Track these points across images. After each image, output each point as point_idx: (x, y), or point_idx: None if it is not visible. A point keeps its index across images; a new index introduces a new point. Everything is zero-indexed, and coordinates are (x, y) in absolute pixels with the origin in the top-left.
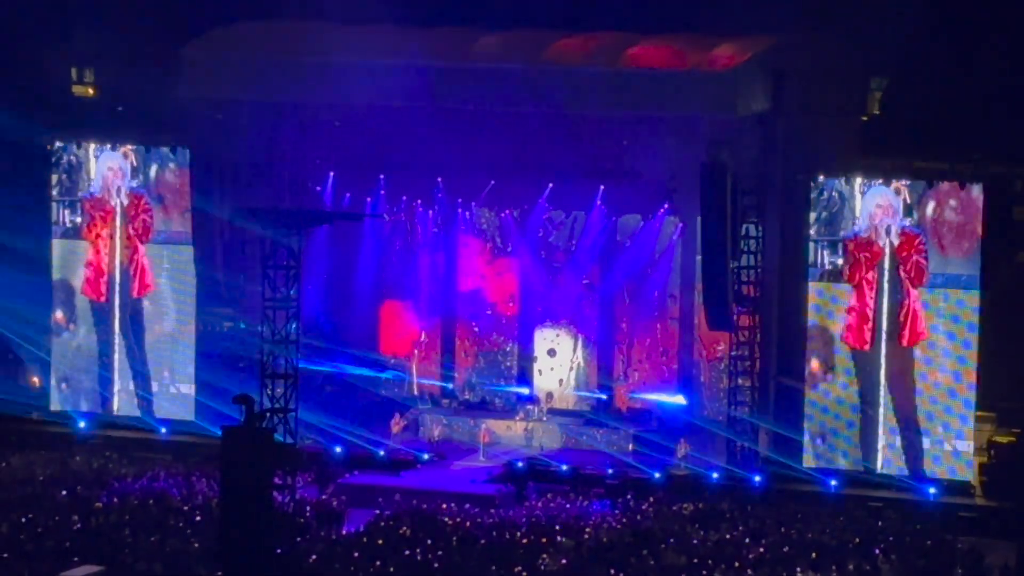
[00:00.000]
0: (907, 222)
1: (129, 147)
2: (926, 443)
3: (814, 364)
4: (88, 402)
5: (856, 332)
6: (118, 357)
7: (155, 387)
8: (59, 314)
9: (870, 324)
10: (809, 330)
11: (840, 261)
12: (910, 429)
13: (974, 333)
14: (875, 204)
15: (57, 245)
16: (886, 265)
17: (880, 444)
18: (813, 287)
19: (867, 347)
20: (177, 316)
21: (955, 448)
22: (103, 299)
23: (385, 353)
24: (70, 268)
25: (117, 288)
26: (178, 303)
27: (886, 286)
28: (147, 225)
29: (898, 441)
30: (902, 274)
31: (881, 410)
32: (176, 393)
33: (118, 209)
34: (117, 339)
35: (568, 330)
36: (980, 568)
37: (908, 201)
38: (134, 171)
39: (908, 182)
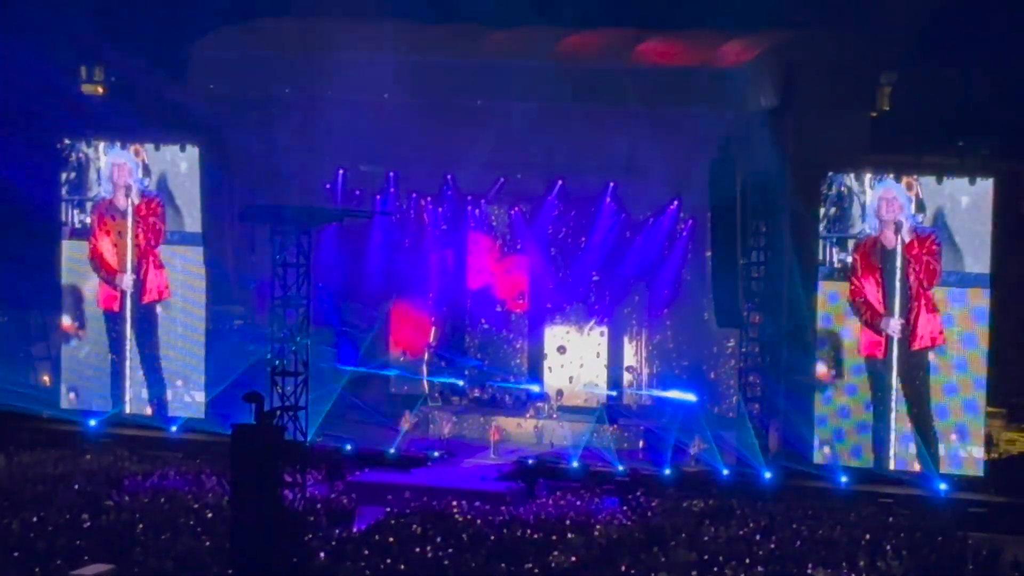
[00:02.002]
0: (919, 218)
1: (139, 145)
2: (941, 449)
3: (821, 369)
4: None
5: (869, 341)
6: (130, 365)
7: (169, 395)
8: (67, 320)
9: (882, 334)
10: (817, 333)
11: (849, 259)
12: (924, 435)
13: (985, 330)
14: (885, 199)
15: (66, 247)
16: (897, 264)
17: (892, 452)
18: (822, 286)
19: (880, 354)
20: (189, 319)
21: (970, 455)
22: (117, 309)
23: (395, 350)
24: (79, 272)
25: (129, 295)
26: (190, 303)
27: (897, 285)
28: (158, 229)
29: (911, 447)
30: (911, 275)
31: (893, 415)
32: (191, 401)
33: (129, 211)
34: (129, 345)
35: (578, 327)
36: (991, 564)
37: (920, 196)
38: (145, 169)
39: (918, 177)
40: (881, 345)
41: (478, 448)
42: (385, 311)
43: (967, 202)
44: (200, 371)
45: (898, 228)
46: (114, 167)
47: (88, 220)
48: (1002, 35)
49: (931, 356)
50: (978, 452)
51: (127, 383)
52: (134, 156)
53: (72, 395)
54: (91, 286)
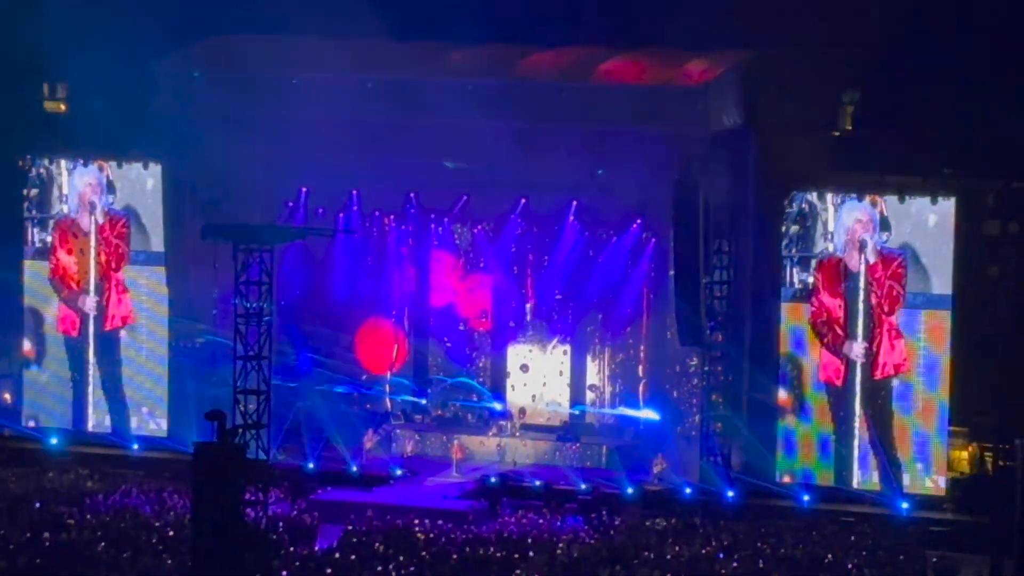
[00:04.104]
0: (884, 237)
1: (104, 162)
2: (906, 479)
3: (782, 395)
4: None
5: (828, 367)
6: (92, 391)
7: (134, 422)
8: (28, 345)
9: (842, 358)
10: (779, 357)
11: (811, 280)
12: (888, 466)
13: (947, 353)
14: (853, 219)
15: (28, 267)
16: (860, 285)
17: (855, 481)
18: (784, 307)
19: (838, 381)
20: (153, 342)
21: (935, 483)
22: (76, 334)
23: (358, 369)
24: (40, 294)
25: (91, 319)
26: (154, 325)
27: (860, 307)
28: (120, 252)
29: (875, 476)
30: (873, 299)
31: (856, 440)
32: (156, 429)
33: (92, 229)
34: (92, 371)
35: (541, 345)
36: None
37: (885, 213)
38: (110, 186)
39: (882, 196)
40: (840, 372)
41: (441, 466)
42: (348, 329)
43: (933, 221)
44: (163, 396)
45: (862, 247)
46: (81, 184)
47: (49, 239)
48: (963, 55)
49: (894, 382)
50: (942, 481)
51: (89, 410)
52: (99, 172)
53: (31, 423)
54: (52, 309)
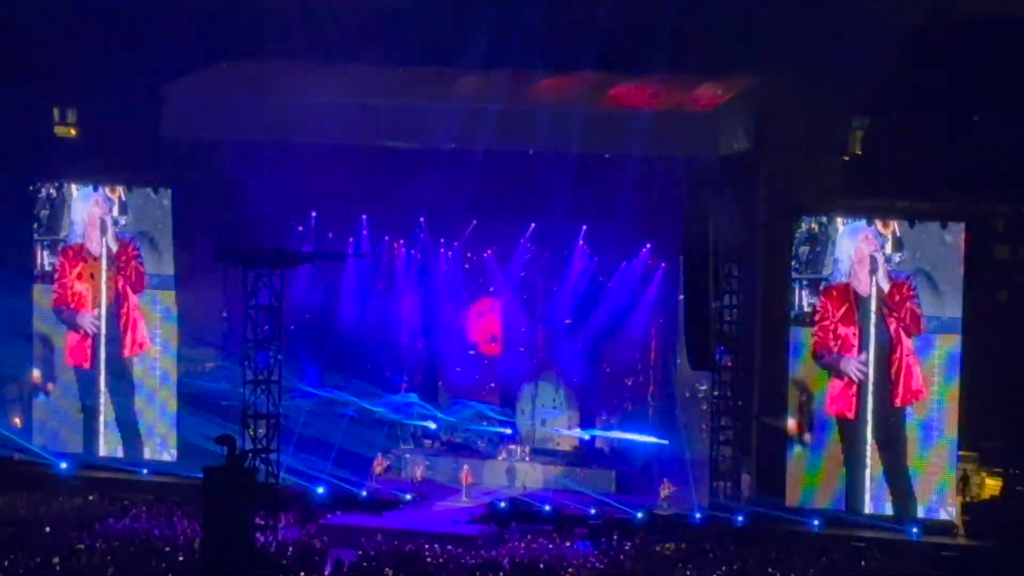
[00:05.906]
0: (897, 258)
1: (115, 186)
2: (920, 511)
3: (791, 423)
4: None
5: (838, 399)
6: (103, 421)
7: (147, 452)
8: (37, 373)
9: (854, 387)
10: (788, 383)
11: (819, 304)
12: (900, 493)
13: (958, 377)
14: (858, 242)
15: (37, 291)
16: (872, 307)
17: (867, 508)
18: (794, 332)
19: (850, 414)
20: (167, 369)
21: (948, 510)
22: (88, 364)
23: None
24: (50, 320)
25: (102, 347)
26: (167, 351)
27: (872, 331)
28: (140, 273)
29: (888, 508)
30: (891, 322)
31: (867, 471)
32: (170, 460)
33: (104, 254)
34: (103, 399)
35: (551, 370)
36: None
37: (898, 234)
38: (122, 208)
39: (893, 221)
40: (852, 405)
41: (450, 491)
42: (358, 353)
43: (945, 244)
44: (173, 423)
45: (874, 270)
46: (90, 208)
47: (57, 263)
48: (971, 80)
49: (911, 412)
50: (954, 508)
51: (100, 439)
52: (109, 195)
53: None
54: (61, 337)
